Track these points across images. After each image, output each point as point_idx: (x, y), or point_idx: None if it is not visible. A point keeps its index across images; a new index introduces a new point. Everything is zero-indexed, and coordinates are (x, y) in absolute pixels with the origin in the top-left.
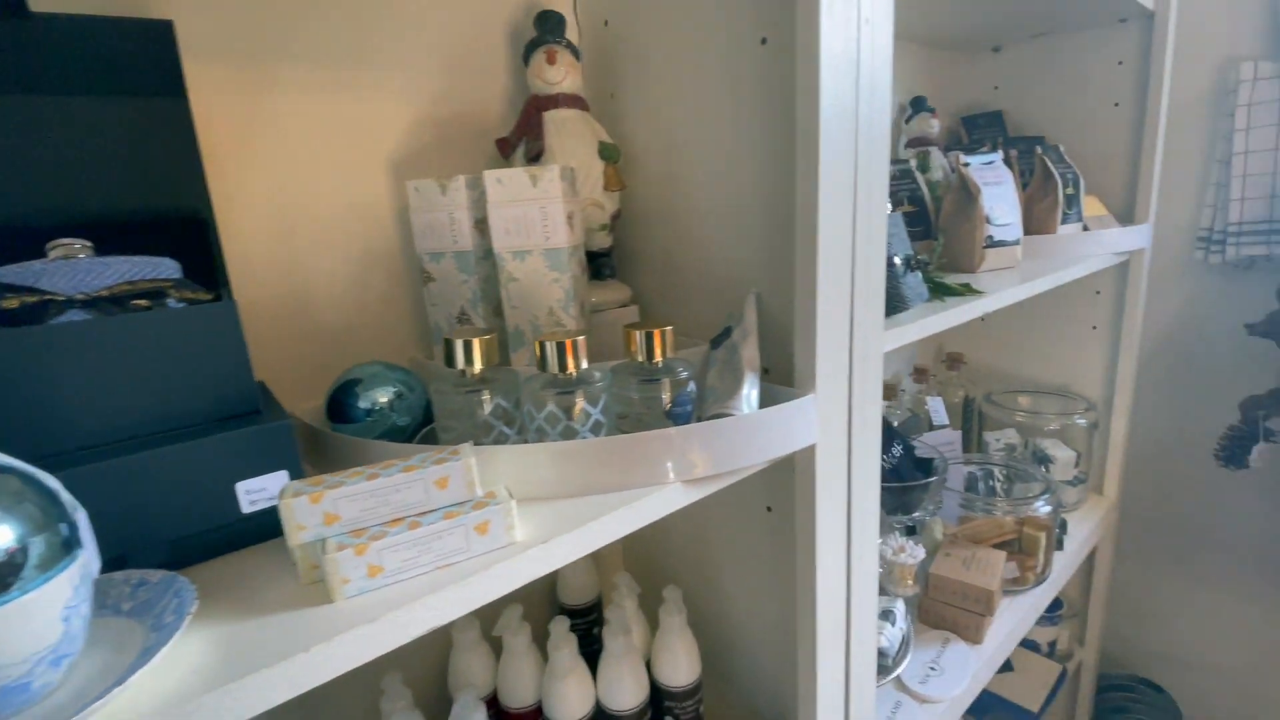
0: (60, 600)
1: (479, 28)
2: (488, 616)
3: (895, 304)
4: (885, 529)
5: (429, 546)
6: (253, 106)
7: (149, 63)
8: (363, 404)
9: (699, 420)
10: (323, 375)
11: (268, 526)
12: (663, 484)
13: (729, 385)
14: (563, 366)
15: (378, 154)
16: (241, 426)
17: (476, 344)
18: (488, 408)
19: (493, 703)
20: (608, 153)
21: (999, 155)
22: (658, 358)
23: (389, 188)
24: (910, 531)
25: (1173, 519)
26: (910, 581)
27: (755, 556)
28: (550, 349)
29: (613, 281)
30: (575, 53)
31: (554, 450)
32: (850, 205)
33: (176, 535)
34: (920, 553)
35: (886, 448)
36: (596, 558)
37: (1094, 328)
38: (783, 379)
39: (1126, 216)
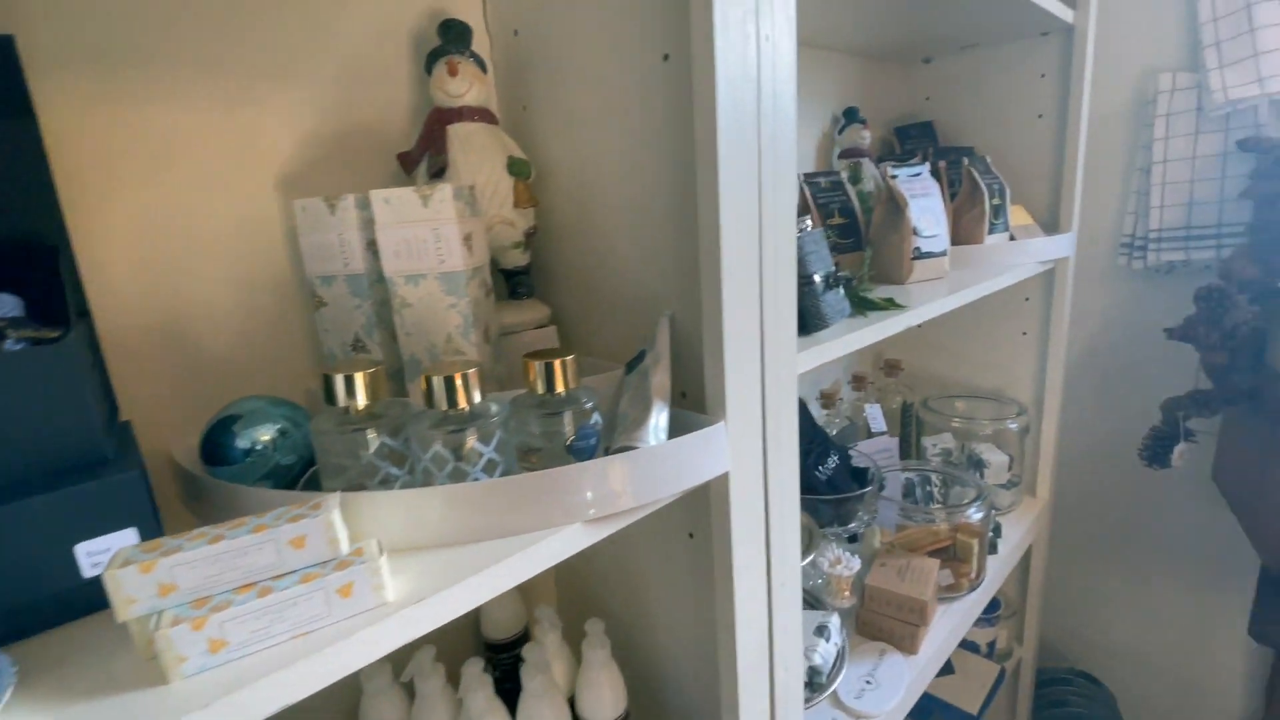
0: None
1: (381, 35)
2: (400, 659)
3: (815, 322)
4: (823, 541)
5: (282, 615)
6: (121, 121)
7: None
8: (241, 443)
9: (606, 451)
10: (208, 411)
11: None
12: (562, 525)
13: (638, 414)
14: (452, 402)
15: (267, 170)
16: (83, 480)
17: (359, 378)
18: (373, 447)
19: None
20: (517, 168)
21: (926, 167)
22: (559, 388)
23: (281, 206)
24: (852, 540)
25: (1104, 516)
26: (847, 593)
27: (679, 584)
28: (438, 383)
29: (530, 301)
30: (481, 64)
31: (439, 495)
32: (756, 224)
33: (6, 605)
34: (856, 564)
35: (822, 459)
36: (524, 588)
37: (1024, 333)
38: (698, 405)
39: (1052, 225)
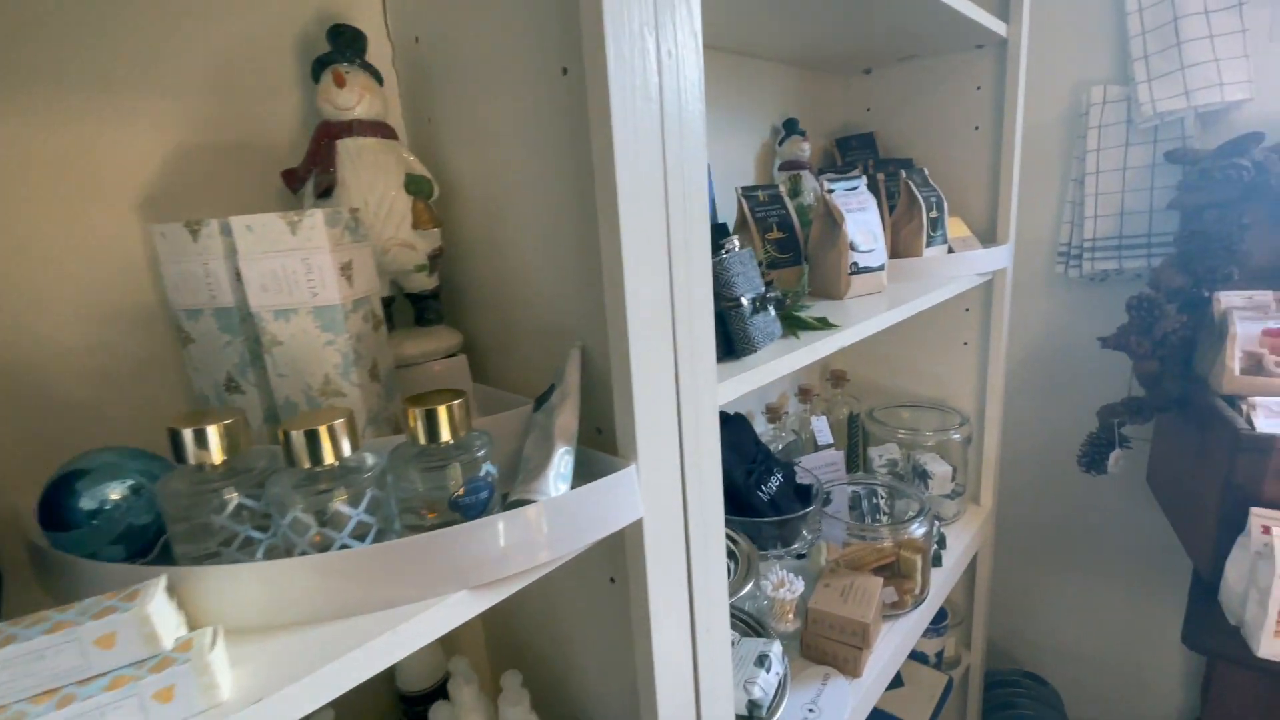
0: None
1: (263, 41)
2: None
3: (743, 346)
4: (766, 564)
5: None
6: None
7: None
8: (85, 504)
9: (504, 501)
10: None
11: None
12: (445, 594)
13: (539, 460)
14: (316, 458)
15: (129, 192)
16: None
17: (212, 431)
18: (228, 509)
19: None
20: (417, 186)
21: (863, 181)
22: (445, 437)
23: (146, 231)
24: (801, 558)
25: (1046, 521)
26: (791, 616)
27: (602, 630)
28: (297, 438)
29: (439, 328)
30: (375, 74)
31: (298, 566)
32: (664, 247)
33: None
34: (799, 586)
35: (764, 479)
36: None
37: (965, 343)
38: (612, 444)
39: (989, 236)
